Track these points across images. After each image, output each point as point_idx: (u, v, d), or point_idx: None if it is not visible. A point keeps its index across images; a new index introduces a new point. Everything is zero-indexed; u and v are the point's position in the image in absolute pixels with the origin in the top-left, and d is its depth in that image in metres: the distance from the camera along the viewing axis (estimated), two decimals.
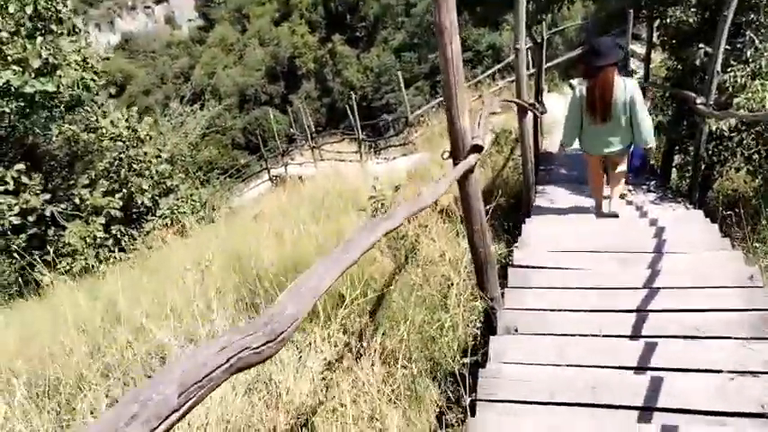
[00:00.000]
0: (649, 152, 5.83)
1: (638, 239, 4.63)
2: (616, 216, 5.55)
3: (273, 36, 61.68)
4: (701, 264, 4.07)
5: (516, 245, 4.82)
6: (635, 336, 3.29)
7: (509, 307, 3.63)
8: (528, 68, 8.93)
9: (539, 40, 8.38)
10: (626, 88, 5.07)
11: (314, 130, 25.99)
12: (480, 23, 35.06)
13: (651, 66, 9.04)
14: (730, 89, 5.56)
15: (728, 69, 5.62)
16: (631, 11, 11.81)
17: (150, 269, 7.50)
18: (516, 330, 3.44)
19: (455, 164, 2.98)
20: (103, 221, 10.65)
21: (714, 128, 5.60)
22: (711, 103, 5.47)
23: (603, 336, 3.33)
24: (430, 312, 4.15)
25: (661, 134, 7.89)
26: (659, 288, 3.71)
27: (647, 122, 5.13)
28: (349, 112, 16.11)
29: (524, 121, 5.88)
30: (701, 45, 5.85)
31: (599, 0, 15.08)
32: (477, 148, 2.97)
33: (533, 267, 4.14)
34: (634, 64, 14.70)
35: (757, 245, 4.88)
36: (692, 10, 5.89)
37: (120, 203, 10.96)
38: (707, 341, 3.20)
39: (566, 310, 3.59)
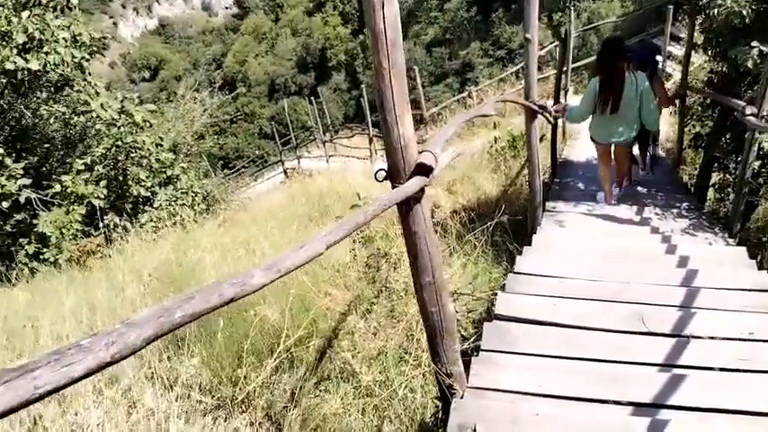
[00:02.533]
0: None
1: (662, 289, 3.59)
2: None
3: (306, 26, 61.29)
4: (744, 329, 3.04)
5: (503, 285, 3.85)
6: None
7: (474, 386, 2.61)
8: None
9: (563, 35, 7.35)
10: (636, 83, 5.51)
11: (331, 123, 25.20)
12: (515, 21, 33.83)
13: (690, 69, 7.91)
14: None
15: None
16: (671, 8, 10.67)
17: (107, 272, 6.70)
18: None
19: (393, 188, 2.06)
20: (83, 211, 9.89)
21: (765, 145, 4.55)
22: (765, 114, 4.42)
23: None
24: (385, 369, 3.24)
25: (699, 148, 6.82)
26: (689, 369, 2.72)
27: (652, 108, 5.65)
28: (365, 106, 15.20)
29: (532, 126, 4.90)
30: (753, 44, 4.78)
31: None
32: (423, 169, 2.03)
33: (520, 321, 3.15)
34: (671, 67, 13.46)
35: None
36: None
37: (104, 193, 10.20)
38: None
39: (553, 397, 2.59)
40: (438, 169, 2.09)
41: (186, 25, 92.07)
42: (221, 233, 7.82)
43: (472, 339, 3.45)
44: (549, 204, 6.06)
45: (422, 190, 2.10)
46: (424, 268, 2.27)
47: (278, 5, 70.10)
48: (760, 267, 4.14)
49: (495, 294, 4.45)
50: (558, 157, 8.45)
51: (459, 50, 40.87)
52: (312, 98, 33.30)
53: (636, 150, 7.20)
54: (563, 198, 6.33)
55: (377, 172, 2.10)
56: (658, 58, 7.56)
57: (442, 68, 42.96)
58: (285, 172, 20.28)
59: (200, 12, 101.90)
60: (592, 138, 6.11)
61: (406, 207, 2.13)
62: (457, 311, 3.35)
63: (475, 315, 4.03)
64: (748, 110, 4.45)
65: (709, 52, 6.33)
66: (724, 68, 6.09)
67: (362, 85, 20.35)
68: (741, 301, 3.31)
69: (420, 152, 2.08)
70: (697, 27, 6.78)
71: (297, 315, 3.57)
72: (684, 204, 5.98)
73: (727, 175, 6.43)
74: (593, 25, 18.81)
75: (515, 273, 3.86)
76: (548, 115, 5.09)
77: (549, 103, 5.79)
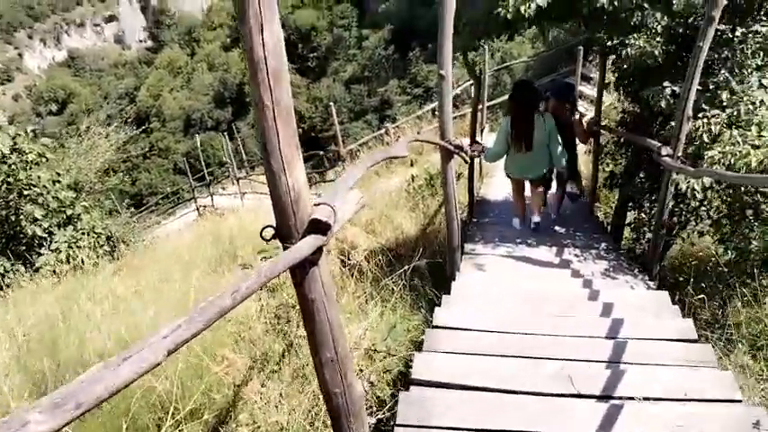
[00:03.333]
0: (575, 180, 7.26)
1: (587, 342, 3.36)
2: (536, 229, 6.39)
3: (223, 61, 60.48)
4: (676, 388, 2.82)
5: (421, 342, 3.53)
6: None
7: None
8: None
9: (477, 73, 7.27)
10: (545, 124, 5.95)
11: (247, 159, 24.61)
12: (432, 59, 34.45)
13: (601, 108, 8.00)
14: (703, 138, 4.46)
15: (699, 115, 4.54)
16: (581, 48, 10.93)
17: None
18: None
19: (285, 248, 1.69)
20: None
21: (684, 186, 4.47)
22: (680, 155, 4.36)
23: None
24: None
25: (613, 187, 6.81)
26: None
27: (559, 151, 6.09)
28: None
29: (448, 166, 4.66)
30: (666, 84, 4.75)
31: (546, 37, 14.25)
32: (318, 226, 1.68)
33: (437, 386, 2.82)
34: (582, 106, 13.83)
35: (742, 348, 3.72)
36: (658, 40, 4.79)
37: None
38: None
39: None
40: (338, 225, 1.75)
41: (98, 58, 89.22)
42: (118, 280, 7.18)
43: (388, 406, 3.09)
44: (468, 246, 5.83)
45: (319, 250, 1.74)
46: (323, 343, 1.91)
47: (194, 40, 69.01)
48: (681, 311, 4.02)
49: (413, 351, 4.14)
50: (475, 195, 8.32)
51: (377, 88, 41.33)
52: (227, 134, 32.61)
53: (553, 189, 7.31)
54: (482, 239, 6.13)
55: (263, 229, 1.74)
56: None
57: (361, 105, 43.26)
58: (198, 209, 19.49)
59: (112, 44, 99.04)
60: (507, 174, 6.52)
61: (301, 271, 1.77)
62: (366, 391, 2.99)
63: (391, 375, 3.67)
64: (664, 150, 4.37)
65: (621, 92, 6.36)
66: (636, 108, 6.11)
67: None
68: (670, 354, 3.12)
69: (316, 205, 1.73)
70: (608, 67, 6.83)
71: (189, 384, 3.10)
72: (603, 245, 5.89)
73: (642, 215, 6.42)
74: (506, 64, 19.27)
75: (433, 327, 3.55)
76: (464, 155, 4.87)
77: (466, 141, 5.60)
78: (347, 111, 44.20)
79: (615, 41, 5.86)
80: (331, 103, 13.92)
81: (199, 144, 23.33)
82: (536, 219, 6.45)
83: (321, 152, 17.39)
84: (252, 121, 54.81)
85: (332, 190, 1.90)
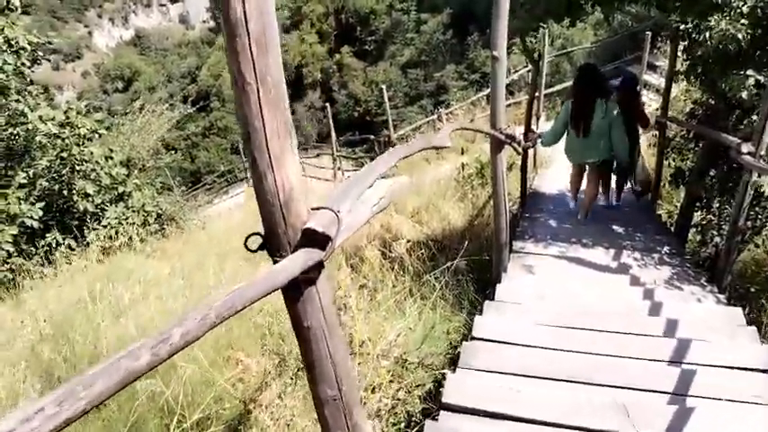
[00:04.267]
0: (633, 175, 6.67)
1: (648, 368, 2.93)
2: (584, 223, 6.28)
3: (282, 43, 60.29)
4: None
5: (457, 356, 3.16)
6: None
7: None
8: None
9: (536, 58, 6.79)
10: (606, 112, 5.82)
11: (305, 140, 24.53)
12: (489, 45, 33.57)
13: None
14: None
15: None
16: (648, 34, 10.23)
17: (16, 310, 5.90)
18: None
19: (274, 262, 1.36)
20: (15, 231, 9.02)
21: (767, 189, 3.96)
22: (763, 153, 3.84)
23: None
24: None
25: (680, 185, 6.25)
26: None
27: (621, 145, 6.00)
28: (331, 126, 14.50)
29: (498, 157, 4.25)
30: (750, 72, 4.21)
31: (611, 21, 13.45)
32: (314, 237, 1.34)
33: (472, 413, 2.46)
34: (647, 96, 13.02)
35: None
36: (743, 22, 4.23)
37: (39, 213, 9.34)
38: None
39: None
40: (346, 234, 1.42)
41: (163, 37, 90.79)
42: (157, 261, 7.06)
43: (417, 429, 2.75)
44: (518, 244, 5.41)
45: (317, 267, 1.41)
46: (323, 378, 1.57)
47: None
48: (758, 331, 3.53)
49: (451, 355, 3.80)
50: (528, 187, 7.85)
51: (434, 72, 40.73)
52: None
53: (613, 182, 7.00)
54: (533, 236, 5.69)
55: (248, 238, 1.41)
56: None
57: (417, 90, 42.70)
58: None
59: (177, 24, 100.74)
60: (567, 156, 6.46)
61: (294, 293, 1.43)
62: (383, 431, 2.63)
63: (424, 390, 3.32)
64: (744, 147, 3.86)
65: (693, 81, 5.78)
66: (710, 99, 5.54)
67: (326, 104, 19.55)
68: (750, 389, 2.66)
69: (314, 209, 1.39)
70: (679, 54, 6.25)
71: (197, 390, 2.83)
72: (666, 248, 5.37)
73: (711, 216, 5.87)
74: (566, 50, 18.43)
75: (472, 338, 3.17)
76: (516, 146, 4.44)
77: (519, 131, 5.18)
78: (403, 95, 43.71)
79: (689, 24, 5.31)
80: (383, 87, 13.57)
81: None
82: (583, 213, 6.41)
83: (372, 137, 17.07)
84: (309, 103, 55.07)
85: (342, 188, 1.56)
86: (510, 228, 5.17)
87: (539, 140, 6.55)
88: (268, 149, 1.26)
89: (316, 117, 54.85)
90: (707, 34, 4.40)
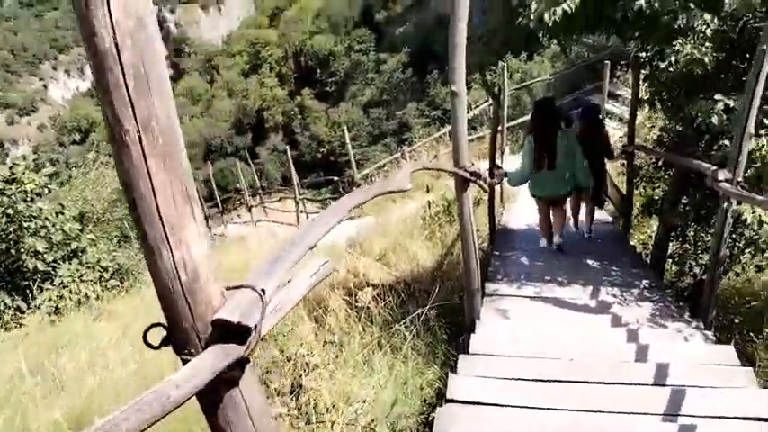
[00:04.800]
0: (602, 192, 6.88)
1: (640, 425, 2.62)
2: (561, 250, 6.30)
3: (242, 88, 60.60)
4: None
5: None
6: None
7: None
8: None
9: (496, 92, 6.62)
10: (567, 141, 5.86)
11: (268, 184, 24.18)
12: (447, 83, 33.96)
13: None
14: (767, 159, 3.74)
15: (761, 132, 3.83)
16: (608, 63, 10.24)
17: None
18: None
19: (183, 362, 1.04)
20: None
21: (749, 217, 3.75)
22: (740, 180, 3.64)
23: None
24: None
25: (653, 214, 6.07)
26: None
27: (582, 167, 6.01)
28: (291, 168, 14.20)
29: (464, 197, 3.99)
30: (717, 97, 4.04)
31: (569, 52, 13.52)
32: (228, 330, 1.01)
33: None
34: (611, 126, 13.03)
35: None
36: (707, 45, 4.09)
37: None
38: None
39: None
40: (274, 319, 1.10)
41: None
42: (104, 325, 6.61)
43: None
44: (490, 286, 5.11)
45: (239, 364, 1.08)
46: None
47: (213, 67, 69.32)
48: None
49: (425, 424, 3.46)
50: (496, 223, 7.62)
51: (396, 111, 41.05)
52: (240, 161, 32.24)
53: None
54: (506, 276, 5.41)
55: (148, 330, 1.09)
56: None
57: (380, 129, 42.97)
58: (212, 238, 18.99)
59: None
60: (532, 194, 6.39)
61: (212, 397, 1.10)
62: None
63: None
64: (721, 174, 3.66)
65: (658, 108, 5.64)
66: (677, 126, 5.40)
67: (287, 146, 19.30)
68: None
69: (231, 289, 1.07)
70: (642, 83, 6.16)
71: None
72: (644, 281, 5.14)
73: (687, 245, 5.69)
74: (526, 83, 18.55)
75: (447, 400, 2.84)
76: (482, 183, 4.17)
77: (484, 166, 4.94)
78: (366, 134, 43.90)
79: (651, 52, 5.20)
80: (344, 127, 13.37)
81: (211, 174, 22.85)
82: (557, 240, 6.39)
83: (336, 177, 16.82)
84: (272, 146, 54.82)
85: (271, 258, 1.25)
86: (481, 268, 4.90)
87: (505, 179, 6.49)
88: (161, 219, 0.94)
89: (279, 160, 54.63)
90: (672, 59, 4.24)
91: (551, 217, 6.39)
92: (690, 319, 4.21)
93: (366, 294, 5.33)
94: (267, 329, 1.14)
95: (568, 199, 6.55)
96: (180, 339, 1.06)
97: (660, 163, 6.01)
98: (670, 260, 5.98)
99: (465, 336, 4.26)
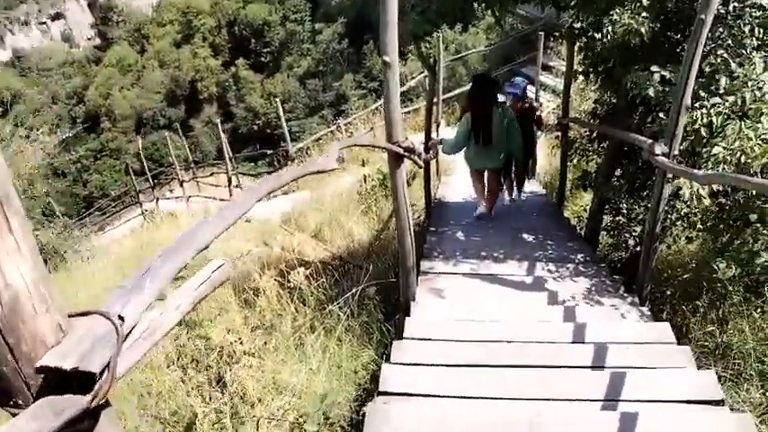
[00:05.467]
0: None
1: (580, 411, 2.52)
2: (489, 216, 6.60)
3: (174, 58, 58.49)
4: None
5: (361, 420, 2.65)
6: None
7: None
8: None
9: (431, 63, 6.41)
10: (503, 116, 5.94)
11: (203, 157, 23.46)
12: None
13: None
14: (701, 132, 3.67)
15: (696, 104, 3.76)
16: (542, 34, 10.17)
17: None
18: None
19: (12, 414, 0.81)
20: None
21: (686, 192, 3.68)
22: (676, 153, 3.57)
23: None
24: None
25: (587, 188, 6.04)
26: None
27: (519, 149, 6.29)
28: (224, 142, 13.70)
29: (397, 173, 3.79)
30: (654, 68, 3.95)
31: (503, 24, 13.40)
32: (70, 377, 0.78)
33: None
34: (543, 97, 13.06)
35: None
36: (644, 15, 3.99)
37: None
38: None
39: None
40: (137, 354, 0.87)
41: (44, 57, 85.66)
42: None
43: None
44: (426, 264, 4.95)
45: (91, 414, 0.84)
46: None
47: (143, 36, 66.54)
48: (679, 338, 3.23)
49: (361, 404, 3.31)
50: (432, 197, 7.48)
51: (332, 82, 40.51)
52: (173, 133, 31.20)
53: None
54: (442, 253, 5.27)
55: None
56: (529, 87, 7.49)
57: (317, 100, 42.33)
58: (143, 214, 18.28)
59: (59, 43, 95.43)
60: (468, 165, 6.58)
61: None
62: None
63: None
64: (657, 148, 3.58)
65: (593, 80, 5.56)
66: (612, 98, 5.34)
67: (219, 119, 18.63)
68: (695, 427, 2.30)
69: (76, 316, 0.83)
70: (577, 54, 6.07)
71: None
72: (579, 255, 5.11)
73: (620, 218, 5.67)
74: (461, 55, 18.40)
75: (380, 393, 2.67)
76: (417, 159, 3.97)
77: (418, 140, 4.74)
78: (303, 106, 43.22)
79: (586, 22, 5.09)
80: (278, 99, 12.95)
81: (141, 147, 21.93)
82: (481, 209, 6.64)
83: (269, 151, 16.37)
84: (206, 118, 53.26)
85: (139, 272, 1.01)
86: (417, 244, 4.75)
87: (439, 146, 6.47)
88: None
89: (213, 132, 53.35)
90: (609, 29, 4.13)
91: (485, 189, 6.62)
92: (625, 294, 4.17)
93: (298, 275, 5.10)
94: (129, 365, 0.91)
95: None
96: (2, 388, 0.82)
97: (593, 136, 5.96)
98: (604, 233, 5.99)
99: (400, 316, 4.11)
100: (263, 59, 52.03)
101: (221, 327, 4.59)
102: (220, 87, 53.84)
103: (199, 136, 49.72)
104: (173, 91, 56.48)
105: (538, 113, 6.89)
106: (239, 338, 4.19)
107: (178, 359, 4.07)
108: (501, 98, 6.49)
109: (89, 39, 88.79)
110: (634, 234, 5.30)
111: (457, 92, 14.81)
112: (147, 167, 19.86)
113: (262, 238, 9.27)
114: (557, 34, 10.23)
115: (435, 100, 8.76)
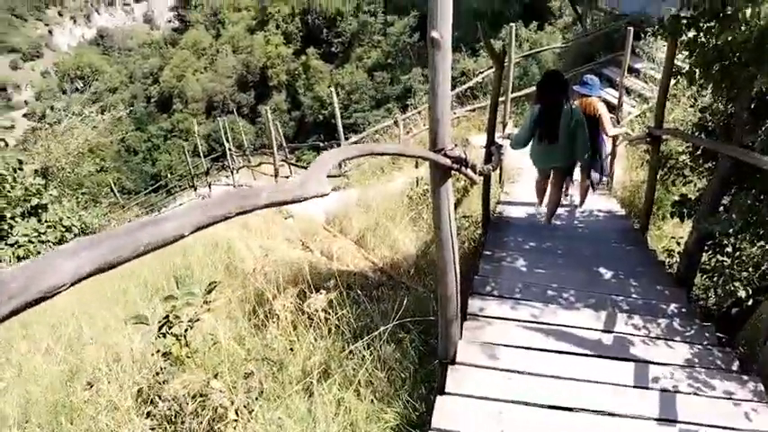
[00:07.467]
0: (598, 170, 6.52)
1: None
2: (548, 224, 6.35)
3: (247, 44, 59.20)
4: None
5: None
6: None
7: None
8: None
9: (498, 53, 5.38)
10: (572, 115, 5.60)
11: (267, 144, 22.99)
12: (458, 48, 32.44)
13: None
14: None
15: None
16: (631, 30, 8.88)
17: None
18: None
19: None
20: None
21: None
22: None
23: None
24: None
25: (685, 217, 4.86)
26: None
27: (582, 143, 5.71)
28: (279, 131, 13.00)
29: (442, 190, 2.80)
30: None
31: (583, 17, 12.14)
32: None
33: None
34: (628, 104, 11.70)
35: None
36: None
37: None
38: None
39: None
40: None
41: (126, 37, 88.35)
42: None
43: None
44: (475, 305, 3.91)
45: None
46: None
47: (219, 21, 67.56)
48: None
49: None
50: (491, 211, 6.44)
51: (400, 75, 39.72)
52: (242, 118, 31.01)
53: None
54: (497, 287, 4.22)
55: None
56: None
57: (384, 93, 41.71)
58: (201, 198, 17.99)
59: (141, 24, 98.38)
60: (533, 162, 6.27)
61: None
62: None
63: None
64: None
65: (702, 84, 4.40)
66: (729, 106, 4.19)
67: (266, 110, 18.02)
68: None
69: None
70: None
71: None
72: (672, 306, 3.99)
73: (721, 256, 4.52)
74: (534, 51, 17.05)
75: None
76: (470, 173, 2.96)
77: (479, 142, 3.74)
78: (369, 98, 42.73)
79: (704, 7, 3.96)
80: (331, 89, 12.16)
81: (221, 126, 21.40)
82: (548, 219, 6.41)
83: (322, 144, 15.63)
84: (274, 105, 53.37)
85: None
86: (466, 269, 3.75)
87: (507, 143, 6.24)
88: None
89: (281, 119, 53.62)
90: (748, 14, 3.00)
91: (547, 192, 6.37)
92: (743, 376, 3.06)
93: (317, 301, 4.16)
94: None
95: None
96: None
97: (700, 152, 4.78)
98: (701, 274, 4.82)
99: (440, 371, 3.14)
100: (333, 49, 51.87)
101: (221, 363, 3.75)
102: (290, 75, 54.04)
103: (266, 123, 49.95)
104: (244, 76, 57.21)
105: (598, 113, 5.98)
106: (231, 388, 3.31)
107: (147, 416, 3.19)
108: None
109: (169, 21, 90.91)
110: (743, 283, 4.15)
111: (527, 91, 13.58)
112: (200, 155, 19.42)
113: (302, 239, 8.47)
114: (648, 30, 9.01)
115: (503, 98, 7.69)
